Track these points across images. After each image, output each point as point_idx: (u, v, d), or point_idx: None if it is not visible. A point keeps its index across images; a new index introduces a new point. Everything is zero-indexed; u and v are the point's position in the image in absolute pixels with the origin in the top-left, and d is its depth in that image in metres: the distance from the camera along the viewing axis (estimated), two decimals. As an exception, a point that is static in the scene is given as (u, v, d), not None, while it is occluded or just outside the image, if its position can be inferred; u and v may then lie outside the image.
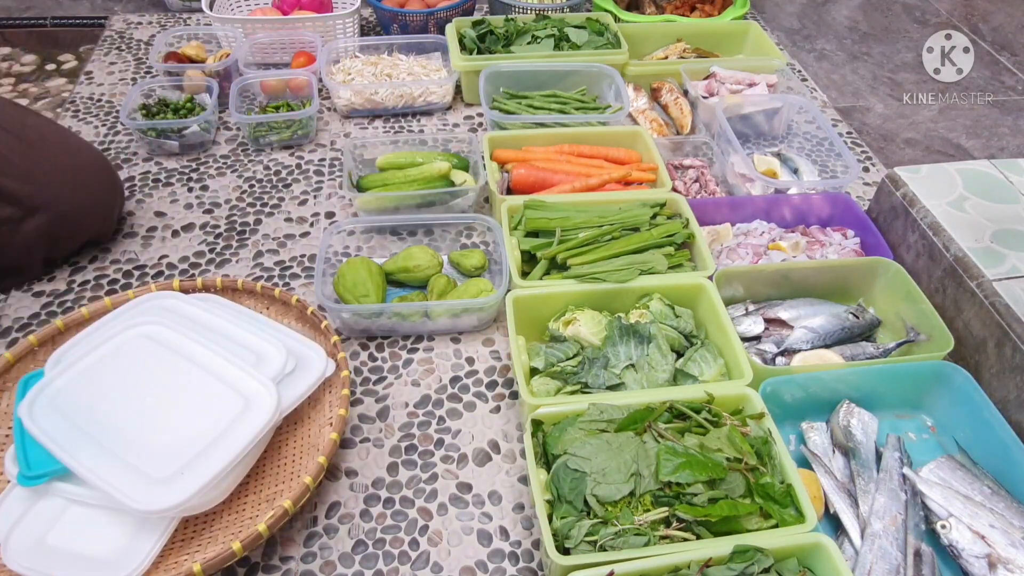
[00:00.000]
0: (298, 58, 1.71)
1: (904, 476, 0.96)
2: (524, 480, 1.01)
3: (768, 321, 1.17)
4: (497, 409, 1.10)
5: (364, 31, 1.97)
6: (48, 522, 0.86)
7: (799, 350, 1.13)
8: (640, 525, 0.81)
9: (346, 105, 1.64)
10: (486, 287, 1.19)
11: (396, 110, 1.67)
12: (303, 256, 1.33)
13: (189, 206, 1.42)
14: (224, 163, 1.52)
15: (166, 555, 0.87)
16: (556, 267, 1.17)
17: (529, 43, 1.70)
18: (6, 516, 0.86)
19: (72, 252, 1.30)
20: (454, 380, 1.14)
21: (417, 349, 1.18)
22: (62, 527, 0.86)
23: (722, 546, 0.80)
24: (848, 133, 1.72)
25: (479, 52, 1.67)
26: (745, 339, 1.15)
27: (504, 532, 0.96)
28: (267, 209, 1.42)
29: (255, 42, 1.74)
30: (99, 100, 1.70)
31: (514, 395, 1.12)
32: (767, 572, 0.80)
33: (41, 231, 1.19)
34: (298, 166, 1.53)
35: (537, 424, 0.93)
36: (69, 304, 1.22)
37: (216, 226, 1.38)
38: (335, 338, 1.04)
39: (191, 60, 1.67)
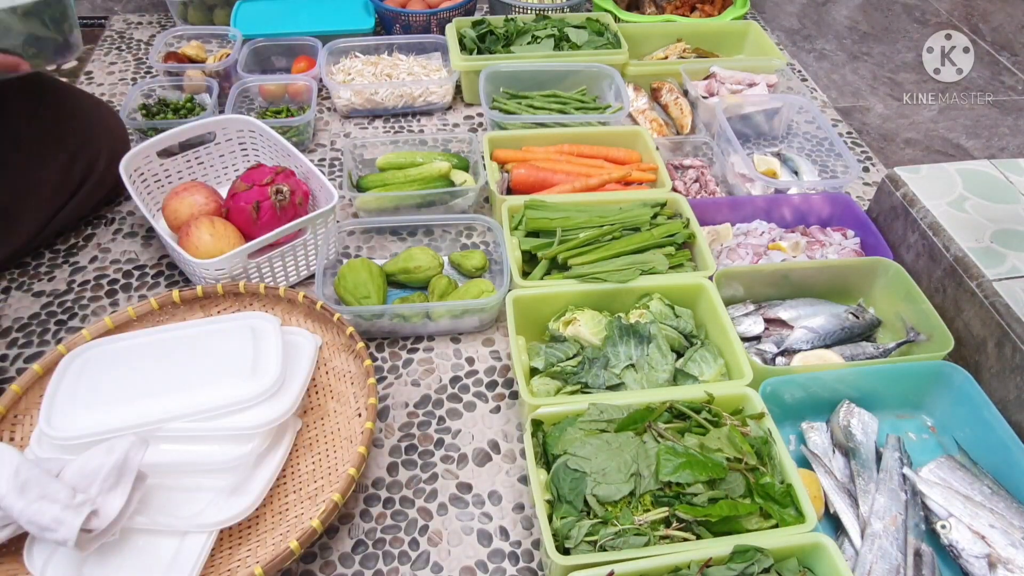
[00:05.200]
0: (298, 62, 1.70)
1: (904, 476, 0.96)
2: (524, 480, 1.01)
3: (768, 321, 1.17)
4: (497, 409, 1.10)
5: (364, 31, 1.97)
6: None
7: (799, 350, 1.13)
8: (640, 525, 0.81)
9: (346, 105, 1.64)
10: (487, 288, 1.19)
11: (396, 110, 1.67)
12: (303, 256, 1.33)
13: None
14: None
15: (216, 565, 0.86)
16: (557, 267, 1.17)
17: (529, 43, 1.70)
18: (40, 551, 0.83)
19: (92, 208, 1.34)
20: (454, 380, 1.14)
21: (417, 349, 1.18)
22: (97, 556, 0.82)
23: (722, 546, 0.80)
24: (848, 133, 1.72)
25: (479, 52, 1.67)
26: (745, 339, 1.15)
27: (504, 532, 0.96)
28: (267, 209, 1.42)
29: (255, 44, 1.73)
30: (99, 100, 1.70)
31: (514, 395, 1.12)
32: (767, 572, 0.80)
33: (55, 174, 1.24)
34: (298, 166, 1.52)
35: (537, 424, 0.93)
36: (69, 304, 1.22)
37: (216, 226, 1.38)
38: (350, 329, 1.04)
39: (191, 60, 1.67)
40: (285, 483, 0.95)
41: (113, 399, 0.92)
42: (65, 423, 0.89)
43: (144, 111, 1.55)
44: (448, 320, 1.17)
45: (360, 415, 1.00)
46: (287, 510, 0.93)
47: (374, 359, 1.16)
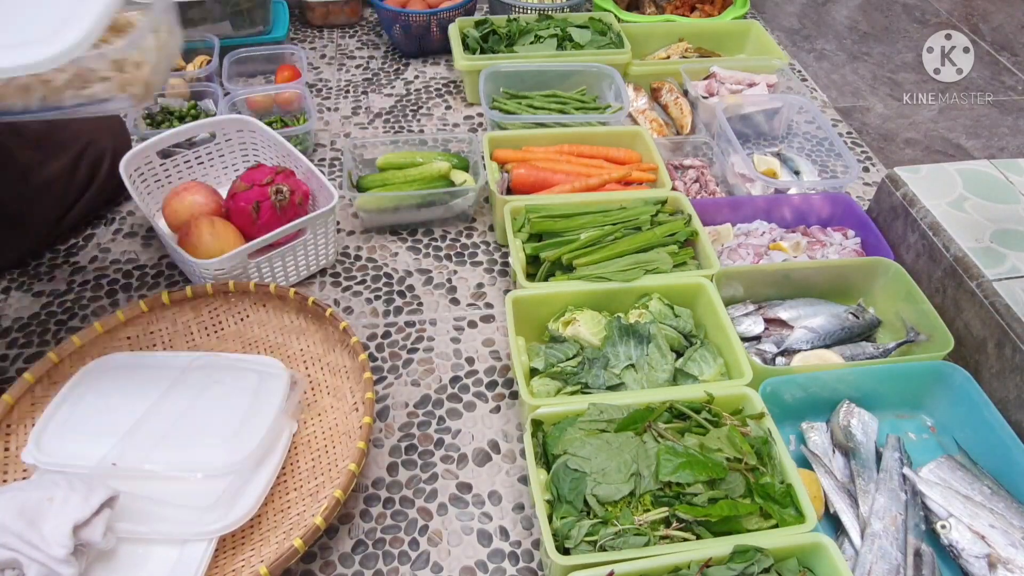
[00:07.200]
0: (282, 71, 1.66)
1: (904, 476, 0.96)
2: (524, 480, 1.01)
3: (768, 321, 1.17)
4: (497, 409, 1.10)
5: (365, 31, 1.97)
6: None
7: (799, 350, 1.13)
8: (640, 525, 0.81)
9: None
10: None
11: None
12: (303, 256, 1.33)
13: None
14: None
15: (220, 566, 0.86)
16: (560, 267, 1.17)
17: (532, 43, 1.70)
18: None
19: (89, 209, 1.33)
20: (454, 380, 1.14)
21: (417, 349, 1.18)
22: (94, 569, 0.82)
23: (722, 546, 0.80)
24: (848, 133, 1.72)
25: (482, 52, 1.68)
26: (745, 339, 1.15)
27: (504, 532, 0.96)
28: (267, 209, 1.42)
29: (237, 55, 1.68)
30: (99, 100, 1.69)
31: (514, 395, 1.12)
32: (767, 572, 0.80)
33: (61, 175, 1.25)
34: (298, 166, 1.52)
35: (537, 424, 0.93)
36: (69, 304, 1.22)
37: (216, 226, 1.38)
38: (344, 324, 1.04)
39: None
40: (285, 481, 0.95)
41: (102, 430, 0.93)
42: (53, 445, 0.91)
43: (148, 120, 1.53)
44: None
45: (357, 409, 1.00)
46: (288, 508, 0.93)
47: (373, 359, 1.16)
